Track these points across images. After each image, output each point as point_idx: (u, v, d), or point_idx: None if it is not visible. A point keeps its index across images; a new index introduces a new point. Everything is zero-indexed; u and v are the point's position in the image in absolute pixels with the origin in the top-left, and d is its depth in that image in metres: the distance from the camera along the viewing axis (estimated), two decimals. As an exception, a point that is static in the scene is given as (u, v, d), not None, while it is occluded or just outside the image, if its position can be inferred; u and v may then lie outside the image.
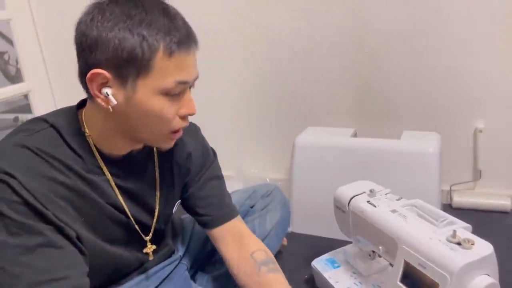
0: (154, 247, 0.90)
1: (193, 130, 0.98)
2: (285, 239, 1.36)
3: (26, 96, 2.00)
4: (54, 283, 0.65)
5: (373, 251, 1.12)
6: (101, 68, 0.67)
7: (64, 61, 2.02)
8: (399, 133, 1.49)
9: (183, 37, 0.69)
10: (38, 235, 0.66)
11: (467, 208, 1.61)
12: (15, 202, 0.65)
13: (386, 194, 1.09)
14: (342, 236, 1.21)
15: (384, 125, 1.65)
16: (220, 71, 1.81)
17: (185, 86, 0.72)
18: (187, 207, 0.99)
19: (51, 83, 2.06)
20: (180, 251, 1.08)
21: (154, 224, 0.89)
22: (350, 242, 1.21)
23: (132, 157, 0.82)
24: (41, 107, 2.00)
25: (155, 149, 0.88)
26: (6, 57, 3.29)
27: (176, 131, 0.76)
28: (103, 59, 0.67)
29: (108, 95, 0.69)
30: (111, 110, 0.70)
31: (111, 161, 0.79)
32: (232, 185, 1.77)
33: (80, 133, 0.76)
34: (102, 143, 0.77)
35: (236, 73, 1.81)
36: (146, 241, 0.89)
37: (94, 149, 0.76)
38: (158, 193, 0.89)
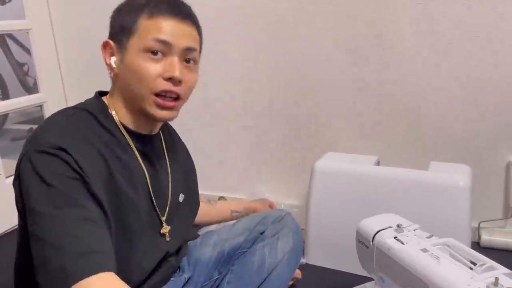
0: (169, 227, 0.93)
1: (173, 130, 1.08)
2: (298, 270, 1.28)
3: (40, 108, 1.98)
4: (95, 255, 0.67)
5: (398, 292, 1.02)
6: (109, 39, 0.84)
7: (81, 73, 2.01)
8: (425, 164, 1.41)
9: (167, 5, 0.81)
10: (82, 208, 0.69)
11: (497, 247, 1.50)
12: (68, 177, 0.70)
13: (414, 230, 1.00)
14: (362, 272, 1.13)
15: (409, 154, 1.57)
16: (236, 89, 1.77)
17: (166, 46, 0.80)
18: None
19: (66, 95, 2.04)
20: (186, 273, 1.04)
21: (168, 204, 0.93)
22: (371, 279, 1.12)
23: (151, 137, 0.91)
24: (55, 119, 1.97)
25: (162, 137, 0.96)
26: (25, 68, 3.32)
27: (158, 95, 0.81)
28: (112, 33, 0.84)
29: (111, 62, 0.83)
30: (111, 75, 0.84)
31: (138, 139, 0.87)
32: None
33: (108, 114, 0.84)
34: (126, 121, 0.85)
35: (252, 91, 1.76)
36: (162, 222, 0.92)
37: (121, 127, 0.84)
38: (169, 175, 0.95)
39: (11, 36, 3.15)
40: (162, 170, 0.93)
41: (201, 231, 1.53)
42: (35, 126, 3.19)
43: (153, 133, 0.91)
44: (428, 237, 0.96)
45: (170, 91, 0.81)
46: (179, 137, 1.09)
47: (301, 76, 1.66)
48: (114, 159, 0.80)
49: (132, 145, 0.85)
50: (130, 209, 0.82)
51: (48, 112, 1.96)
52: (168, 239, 0.93)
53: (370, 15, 1.52)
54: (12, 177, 1.92)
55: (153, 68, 0.79)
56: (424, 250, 0.90)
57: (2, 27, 1.86)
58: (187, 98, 0.87)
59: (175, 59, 0.81)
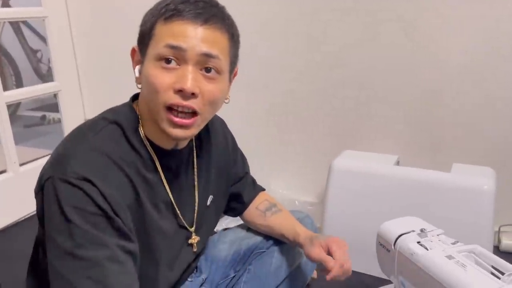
0: (198, 238, 0.92)
1: (219, 127, 1.01)
2: (315, 271, 1.25)
3: (55, 95, 1.97)
4: None
5: (419, 298, 0.99)
6: (136, 46, 0.78)
7: (96, 63, 1.98)
8: (447, 165, 1.37)
9: (185, 8, 0.71)
10: (103, 247, 0.67)
11: (517, 252, 1.46)
12: (90, 213, 0.67)
13: (438, 235, 0.97)
14: (379, 274, 1.10)
15: (430, 154, 1.53)
16: (253, 84, 1.74)
17: (179, 52, 0.71)
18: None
19: (80, 85, 2.02)
20: (203, 274, 1.03)
21: (196, 214, 0.91)
22: (389, 281, 1.10)
23: (178, 152, 0.84)
24: (69, 108, 1.96)
25: (194, 145, 0.90)
26: (39, 55, 3.32)
27: (170, 109, 0.73)
28: (138, 39, 0.78)
29: (135, 70, 0.77)
30: (139, 86, 0.77)
31: (163, 155, 0.81)
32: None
33: (136, 128, 0.79)
34: (151, 135, 0.79)
35: (268, 87, 1.74)
36: (191, 232, 0.90)
37: (146, 141, 0.79)
38: (196, 182, 0.91)
39: (25, 22, 3.14)
40: (189, 180, 0.89)
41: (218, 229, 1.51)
42: (48, 113, 3.20)
43: (180, 147, 0.84)
44: (453, 243, 0.94)
45: (181, 105, 0.72)
46: (222, 130, 1.02)
47: (318, 70, 1.63)
48: (140, 180, 0.76)
49: (157, 162, 0.80)
50: (155, 231, 0.80)
51: (62, 101, 1.95)
52: (195, 249, 0.92)
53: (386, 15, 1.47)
54: (26, 165, 1.89)
55: (164, 78, 0.71)
56: (450, 257, 0.88)
57: (18, 14, 1.85)
58: (210, 114, 0.78)
59: (188, 68, 0.71)
